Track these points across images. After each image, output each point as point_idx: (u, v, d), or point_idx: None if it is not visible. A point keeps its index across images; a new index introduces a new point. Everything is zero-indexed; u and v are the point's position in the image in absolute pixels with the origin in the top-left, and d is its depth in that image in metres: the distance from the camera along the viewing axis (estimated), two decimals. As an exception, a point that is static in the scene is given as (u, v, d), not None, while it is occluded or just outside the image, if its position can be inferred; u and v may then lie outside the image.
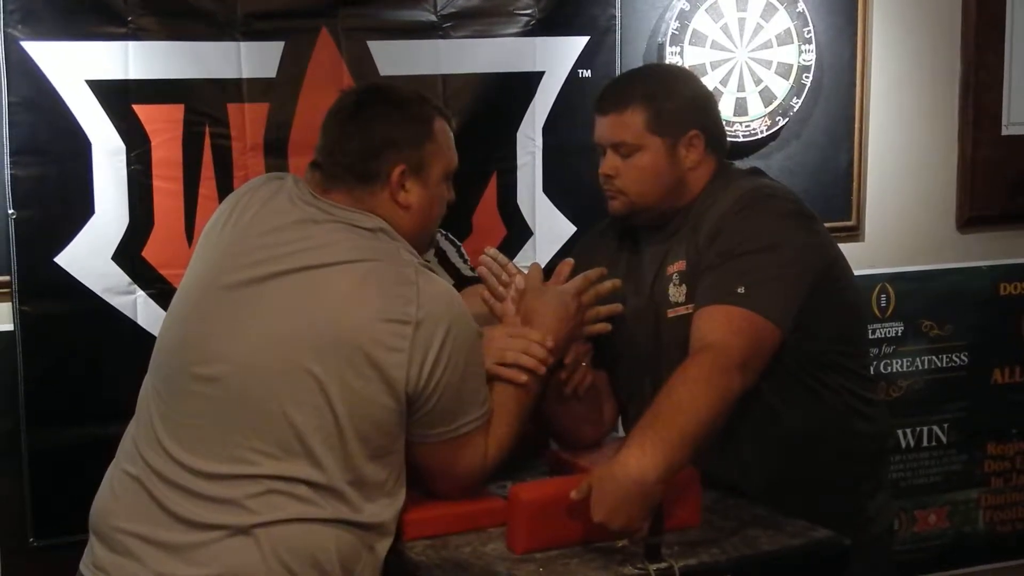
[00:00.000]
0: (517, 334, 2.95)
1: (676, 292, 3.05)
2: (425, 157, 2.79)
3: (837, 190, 4.70)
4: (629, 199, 3.12)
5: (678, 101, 3.12)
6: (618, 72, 4.23)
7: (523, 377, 2.89)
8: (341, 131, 2.80)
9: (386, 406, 2.61)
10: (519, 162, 4.25)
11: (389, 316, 2.60)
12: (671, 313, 3.06)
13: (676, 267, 3.07)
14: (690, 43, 4.35)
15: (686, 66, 4.30)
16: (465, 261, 3.38)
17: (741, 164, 3.42)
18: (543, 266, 3.27)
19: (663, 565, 2.58)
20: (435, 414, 2.69)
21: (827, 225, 3.23)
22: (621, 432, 3.31)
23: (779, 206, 3.06)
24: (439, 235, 3.34)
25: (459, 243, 3.44)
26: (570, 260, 3.12)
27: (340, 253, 2.67)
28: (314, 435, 2.57)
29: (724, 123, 3.29)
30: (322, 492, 2.58)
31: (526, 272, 3.09)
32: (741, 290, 2.86)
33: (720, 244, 2.97)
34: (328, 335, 2.58)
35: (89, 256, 3.82)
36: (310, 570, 2.56)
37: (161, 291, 3.84)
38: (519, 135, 4.25)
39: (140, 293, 3.87)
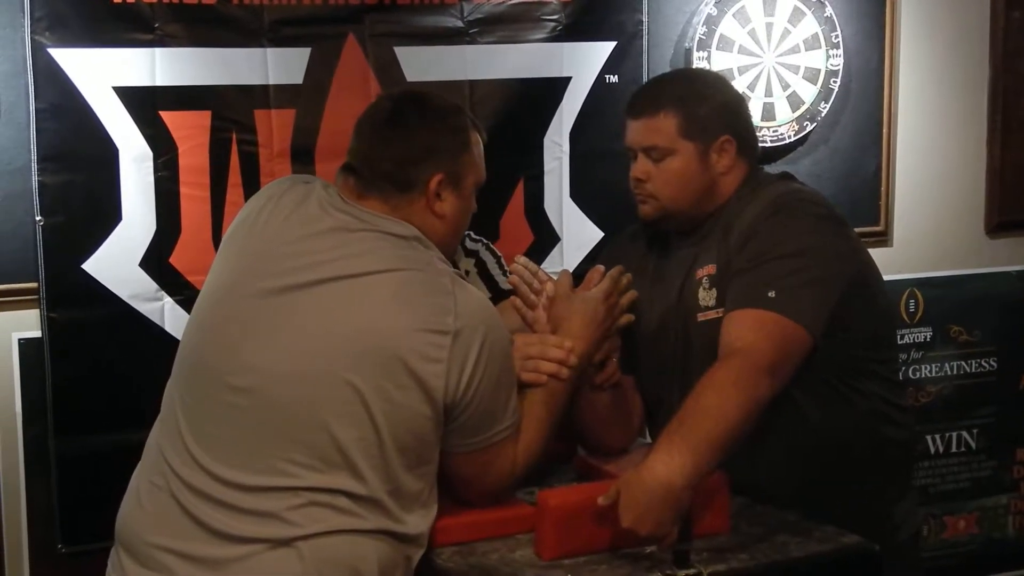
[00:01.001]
0: (536, 340, 2.95)
1: (706, 296, 3.04)
2: (462, 167, 2.79)
3: (865, 195, 4.69)
4: (660, 203, 3.12)
5: (710, 106, 3.11)
6: (645, 77, 4.22)
7: (543, 379, 2.88)
8: (379, 137, 2.79)
9: (425, 416, 2.60)
10: (546, 168, 4.25)
11: (427, 326, 2.59)
12: (701, 317, 3.04)
13: (706, 271, 3.06)
14: (717, 48, 4.35)
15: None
16: (504, 272, 3.38)
17: (770, 169, 3.40)
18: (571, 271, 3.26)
19: (692, 571, 2.58)
20: (470, 424, 2.68)
21: (855, 230, 3.21)
22: (648, 439, 3.30)
23: (811, 211, 3.05)
24: (480, 245, 3.34)
25: (499, 254, 3.43)
26: (600, 267, 3.10)
27: (376, 262, 2.66)
28: (354, 446, 2.55)
29: (754, 126, 3.28)
30: (363, 503, 2.56)
31: (556, 279, 3.08)
32: (772, 294, 2.85)
33: (751, 248, 2.96)
34: (367, 346, 2.57)
35: (116, 263, 3.83)
36: None
37: (188, 298, 3.84)
38: (546, 141, 4.24)
39: (167, 300, 3.87)
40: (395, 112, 2.81)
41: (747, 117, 3.23)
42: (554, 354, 2.91)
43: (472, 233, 3.27)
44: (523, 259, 3.13)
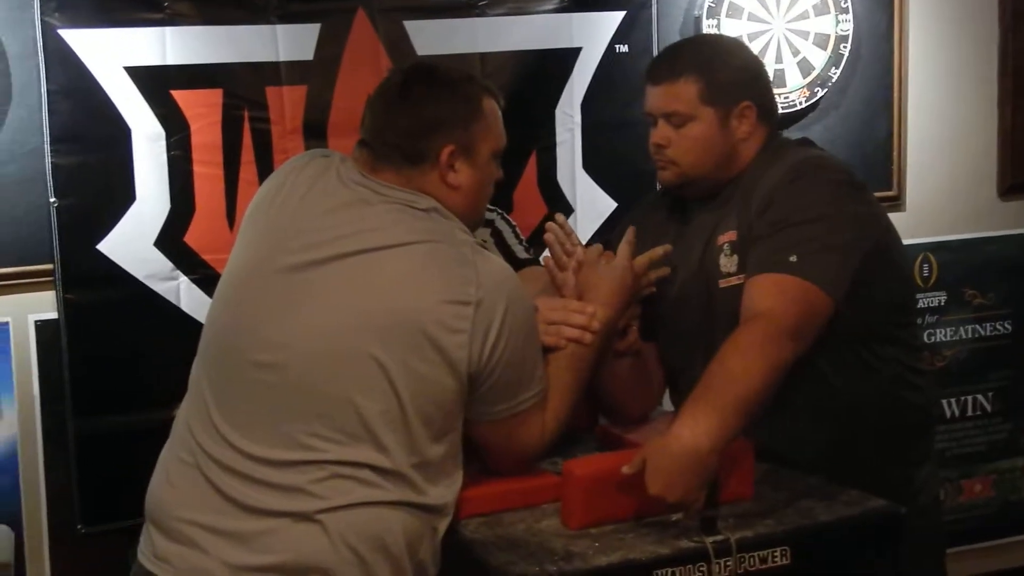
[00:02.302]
0: (559, 306, 2.95)
1: (727, 262, 3.04)
2: (474, 137, 2.76)
3: (877, 160, 4.69)
4: (681, 169, 3.11)
5: (731, 71, 3.11)
6: (655, 47, 4.23)
7: (564, 343, 2.88)
8: (389, 111, 2.77)
9: (448, 387, 2.60)
10: (558, 139, 4.25)
11: (450, 297, 2.58)
12: (723, 284, 3.04)
13: (727, 237, 3.05)
14: (727, 15, 4.34)
15: (723, 39, 4.29)
16: (520, 242, 3.37)
17: (786, 135, 3.39)
18: (584, 243, 3.26)
19: (720, 538, 2.57)
20: (496, 392, 2.68)
21: (872, 195, 3.21)
22: (669, 406, 3.30)
23: (831, 176, 3.05)
24: (496, 215, 3.33)
25: (515, 224, 3.42)
26: (633, 229, 3.09)
27: (396, 235, 2.65)
28: (378, 419, 2.55)
29: (774, 92, 3.26)
30: (387, 476, 2.56)
31: (589, 247, 3.08)
32: (793, 259, 2.84)
33: (772, 214, 2.95)
34: (390, 318, 2.57)
35: (131, 243, 3.84)
36: (377, 553, 2.54)
37: (204, 276, 3.85)
38: (557, 112, 4.24)
39: (183, 279, 3.88)
40: (404, 85, 2.79)
41: (766, 82, 3.22)
42: (576, 319, 2.91)
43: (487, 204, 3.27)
44: (561, 218, 3.13)
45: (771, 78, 4.21)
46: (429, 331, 2.55)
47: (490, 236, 3.29)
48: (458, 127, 2.74)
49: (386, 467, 2.55)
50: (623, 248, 3.04)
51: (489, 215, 3.31)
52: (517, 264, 3.23)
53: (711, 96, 3.07)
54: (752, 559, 2.59)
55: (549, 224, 3.10)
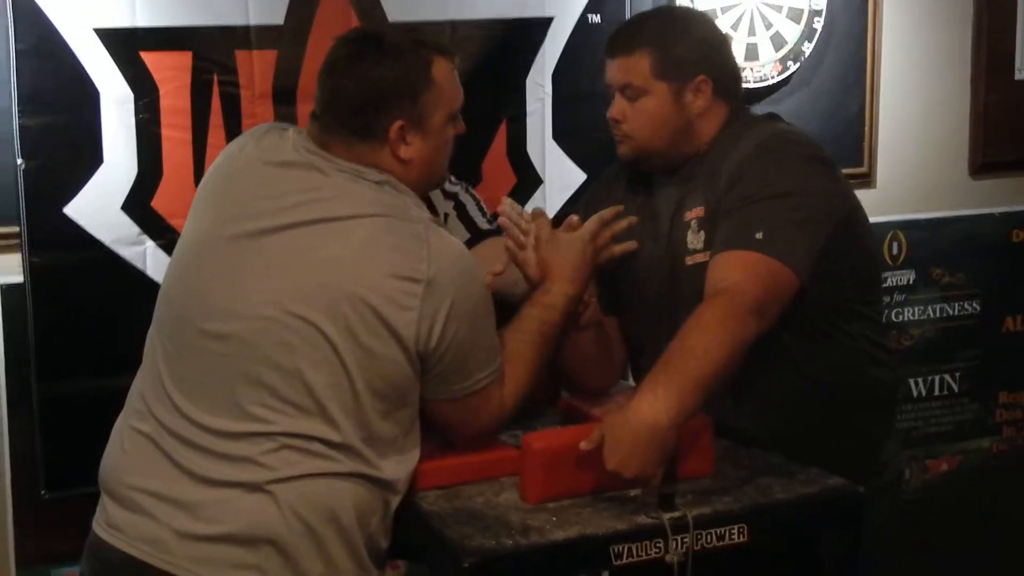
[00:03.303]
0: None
1: (694, 239, 3.03)
2: (424, 108, 2.72)
3: (849, 136, 4.67)
4: (636, 143, 3.11)
5: (686, 46, 3.09)
6: (628, 16, 4.20)
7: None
8: (335, 85, 2.74)
9: (398, 363, 2.60)
10: (528, 109, 4.23)
11: (400, 273, 2.57)
12: (689, 260, 3.04)
13: (694, 213, 3.05)
14: (701, -13, 4.33)
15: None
16: (484, 215, 3.36)
17: (753, 110, 3.39)
18: (552, 216, 3.26)
19: (677, 514, 2.58)
20: (450, 371, 2.68)
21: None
22: (631, 381, 3.30)
23: (800, 152, 3.05)
24: (460, 188, 3.32)
25: (479, 197, 3.41)
26: (575, 216, 3.10)
27: (348, 207, 2.64)
28: (327, 392, 2.55)
29: (737, 67, 3.25)
30: (338, 448, 2.57)
31: (536, 220, 3.07)
32: (759, 235, 2.84)
33: (739, 190, 2.95)
34: (338, 291, 2.56)
35: (98, 206, 3.80)
36: (328, 525, 2.55)
37: (171, 241, 3.79)
38: (528, 82, 4.22)
39: (150, 243, 3.85)
40: (350, 57, 2.74)
41: (727, 57, 3.20)
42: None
43: (452, 177, 3.25)
44: (509, 200, 3.12)
45: (744, 51, 4.29)
46: (377, 306, 2.55)
47: (453, 208, 3.28)
48: (407, 99, 2.70)
49: (336, 440, 2.56)
50: (592, 221, 3.04)
51: (453, 188, 3.30)
52: (479, 235, 3.23)
53: (664, 70, 3.06)
54: (709, 536, 2.60)
55: (499, 208, 3.10)
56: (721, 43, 3.20)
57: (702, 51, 3.11)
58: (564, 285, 2.96)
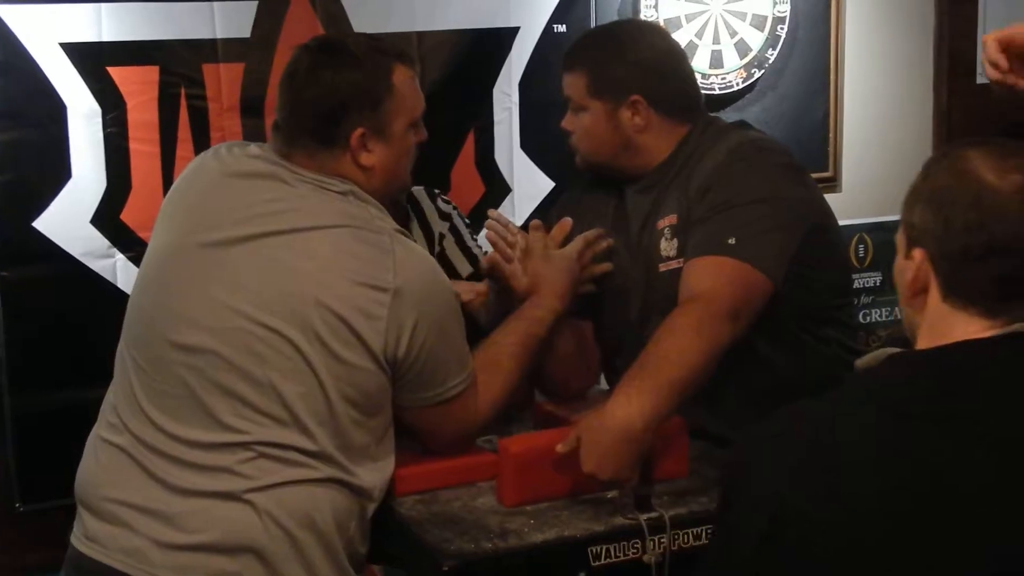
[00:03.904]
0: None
1: (667, 246, 3.05)
2: (385, 115, 2.73)
3: (813, 141, 4.71)
4: (582, 155, 3.18)
5: (620, 66, 3.10)
6: (593, 26, 4.22)
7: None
8: (295, 93, 2.74)
9: (369, 371, 2.60)
10: (496, 119, 4.26)
11: (367, 283, 2.58)
12: (663, 267, 3.05)
13: (667, 221, 3.06)
14: (665, -5, 4.35)
15: (661, 20, 4.31)
16: (475, 239, 3.36)
17: (722, 117, 3.40)
18: (520, 225, 3.27)
19: (653, 515, 2.60)
20: (421, 380, 2.69)
21: (809, 177, 3.23)
22: (606, 386, 3.32)
23: (771, 159, 3.06)
24: (453, 211, 3.33)
25: (468, 221, 3.42)
26: (568, 220, 3.13)
27: (314, 217, 2.65)
28: (300, 403, 2.56)
29: (686, 82, 3.20)
30: (314, 456, 2.57)
31: (529, 232, 3.11)
32: (732, 241, 2.85)
33: (712, 197, 2.96)
34: (307, 302, 2.57)
35: (67, 220, 3.81)
36: (307, 531, 2.55)
37: (140, 254, 3.71)
38: (495, 91, 4.24)
39: (119, 256, 3.86)
40: (310, 66, 2.74)
41: (669, 74, 3.15)
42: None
43: (444, 196, 3.27)
44: (496, 213, 3.16)
45: (708, 59, 4.33)
46: (345, 316, 2.56)
47: (449, 231, 3.29)
48: (367, 107, 2.71)
49: (311, 449, 2.57)
50: (578, 241, 3.07)
51: (446, 207, 3.32)
52: (475, 263, 3.26)
53: (596, 89, 3.10)
54: (686, 536, 2.61)
55: (488, 222, 3.12)
56: (662, 60, 3.16)
57: (638, 71, 3.11)
58: (554, 301, 2.99)
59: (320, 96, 2.71)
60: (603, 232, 3.12)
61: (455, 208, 3.37)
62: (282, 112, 2.78)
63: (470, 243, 3.33)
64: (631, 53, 3.14)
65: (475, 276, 3.22)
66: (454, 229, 3.29)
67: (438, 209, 3.26)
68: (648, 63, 3.14)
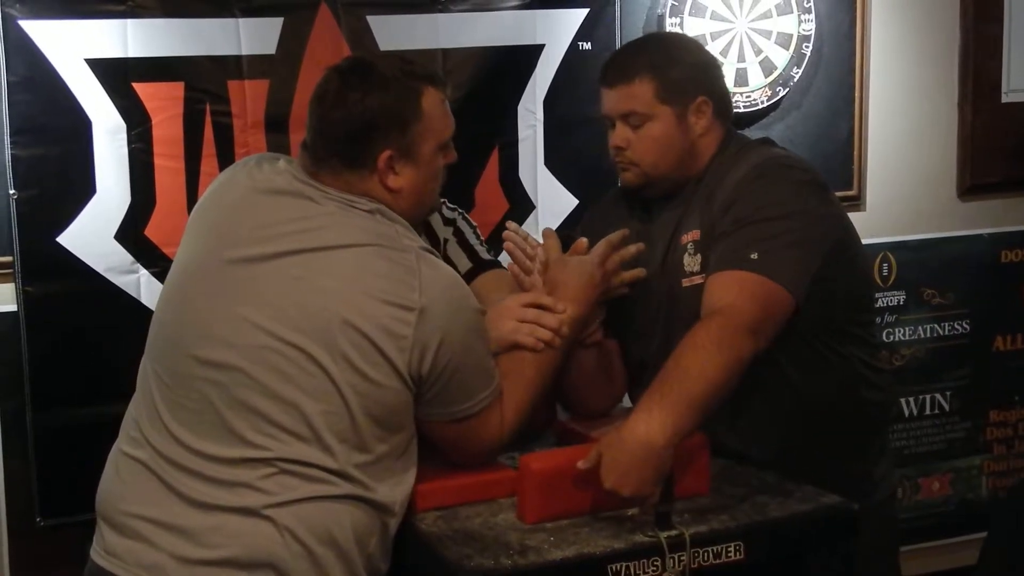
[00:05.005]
0: (530, 302, 2.96)
1: (691, 261, 3.05)
2: (413, 138, 2.73)
3: (838, 160, 4.69)
4: (642, 170, 3.13)
5: (685, 68, 3.12)
6: (618, 44, 4.22)
7: (538, 344, 2.89)
8: (325, 114, 2.74)
9: (394, 389, 2.61)
10: (520, 136, 4.25)
11: (393, 302, 2.59)
12: (686, 283, 3.05)
13: (691, 236, 3.06)
14: (690, 14, 4.34)
15: (687, 36, 4.30)
16: (481, 243, 3.36)
17: (747, 134, 3.40)
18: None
19: (674, 532, 2.60)
20: (447, 395, 2.69)
21: (832, 194, 3.23)
22: (630, 404, 3.31)
23: (795, 175, 3.07)
24: (457, 215, 3.33)
25: (475, 224, 3.42)
26: (584, 240, 3.11)
27: (341, 236, 2.65)
28: (323, 420, 2.56)
29: (725, 84, 3.28)
30: (334, 473, 2.57)
31: (544, 242, 3.10)
32: (754, 256, 2.85)
33: (735, 212, 2.97)
34: (332, 320, 2.57)
35: (91, 235, 3.82)
36: (326, 547, 2.56)
37: (164, 269, 3.79)
38: (520, 109, 4.24)
39: (143, 272, 3.87)
40: (340, 88, 2.74)
41: (721, 78, 3.23)
42: (548, 321, 2.91)
43: (447, 201, 3.26)
44: (514, 225, 3.15)
45: (733, 77, 4.32)
46: (370, 334, 2.57)
47: (452, 235, 3.29)
48: (396, 130, 2.71)
49: (332, 467, 2.57)
50: (601, 245, 3.05)
51: (451, 214, 3.31)
52: (481, 265, 3.24)
53: (667, 94, 3.09)
54: (706, 554, 2.61)
55: (505, 233, 3.13)
56: (713, 63, 3.24)
57: (699, 72, 3.15)
58: (571, 306, 2.96)
59: (347, 118, 2.71)
60: (628, 234, 3.10)
61: (460, 213, 3.37)
62: (311, 133, 2.78)
63: (472, 240, 3.33)
64: (689, 55, 3.18)
65: (473, 271, 3.20)
66: (458, 232, 3.29)
67: (442, 215, 3.25)
68: (705, 64, 3.20)
